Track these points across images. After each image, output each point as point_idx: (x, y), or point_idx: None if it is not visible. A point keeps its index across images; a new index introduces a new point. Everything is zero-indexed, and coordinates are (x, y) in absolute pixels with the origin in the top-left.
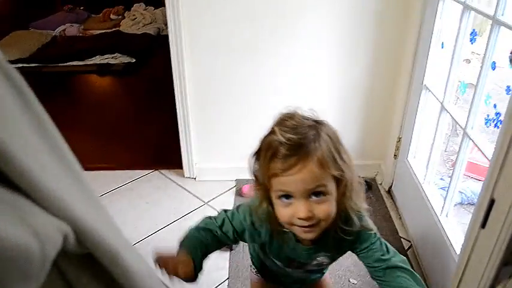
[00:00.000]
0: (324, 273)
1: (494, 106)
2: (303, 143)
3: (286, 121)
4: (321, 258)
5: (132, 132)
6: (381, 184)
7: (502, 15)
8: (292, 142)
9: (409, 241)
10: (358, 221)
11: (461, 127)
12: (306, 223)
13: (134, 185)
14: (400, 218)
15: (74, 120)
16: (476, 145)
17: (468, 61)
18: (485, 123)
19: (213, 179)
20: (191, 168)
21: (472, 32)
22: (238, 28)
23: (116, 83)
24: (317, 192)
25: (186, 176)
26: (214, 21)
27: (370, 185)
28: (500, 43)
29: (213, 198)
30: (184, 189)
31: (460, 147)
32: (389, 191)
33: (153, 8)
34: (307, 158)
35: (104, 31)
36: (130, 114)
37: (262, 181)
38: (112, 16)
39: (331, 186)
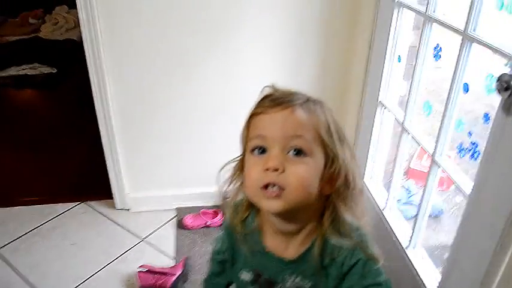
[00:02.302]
0: None
1: (469, 134)
2: (298, 94)
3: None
4: (295, 283)
5: (53, 157)
6: None
7: (474, 30)
8: (288, 92)
9: None
10: (356, 231)
11: (429, 153)
12: (272, 178)
13: (57, 222)
14: None
15: None
16: (449, 175)
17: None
18: (458, 153)
19: (149, 209)
20: (123, 198)
21: (436, 47)
22: (166, 35)
23: (34, 98)
24: (297, 150)
25: (117, 207)
26: (136, 25)
27: None
28: (473, 61)
29: (151, 233)
30: (117, 224)
31: (428, 175)
32: None
33: (76, 11)
34: (295, 104)
35: (21, 37)
36: (50, 135)
37: (242, 139)
38: (31, 20)
39: (317, 152)
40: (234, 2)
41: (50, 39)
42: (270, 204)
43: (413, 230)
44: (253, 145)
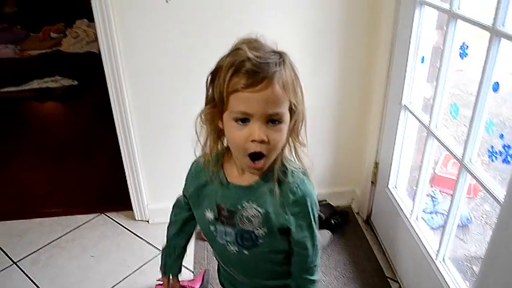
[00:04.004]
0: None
1: (501, 136)
2: (270, 62)
3: (251, 42)
4: (251, 210)
5: (73, 169)
6: (357, 213)
7: (503, 25)
8: (260, 60)
9: (398, 282)
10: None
11: (457, 159)
12: (258, 148)
13: (76, 234)
14: (385, 253)
15: (2, 156)
16: (480, 182)
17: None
18: (489, 156)
19: (169, 220)
20: (142, 209)
21: (461, 46)
22: (181, 46)
23: (56, 110)
24: (274, 120)
25: (136, 218)
26: (151, 39)
27: (346, 215)
28: (502, 58)
29: None
30: (136, 235)
31: (457, 182)
32: (367, 221)
33: None
34: (273, 78)
35: (43, 51)
36: (69, 147)
37: (218, 101)
38: (52, 34)
39: (287, 117)
40: (252, 4)
41: (71, 52)
42: (253, 171)
43: (440, 241)
44: (237, 117)
